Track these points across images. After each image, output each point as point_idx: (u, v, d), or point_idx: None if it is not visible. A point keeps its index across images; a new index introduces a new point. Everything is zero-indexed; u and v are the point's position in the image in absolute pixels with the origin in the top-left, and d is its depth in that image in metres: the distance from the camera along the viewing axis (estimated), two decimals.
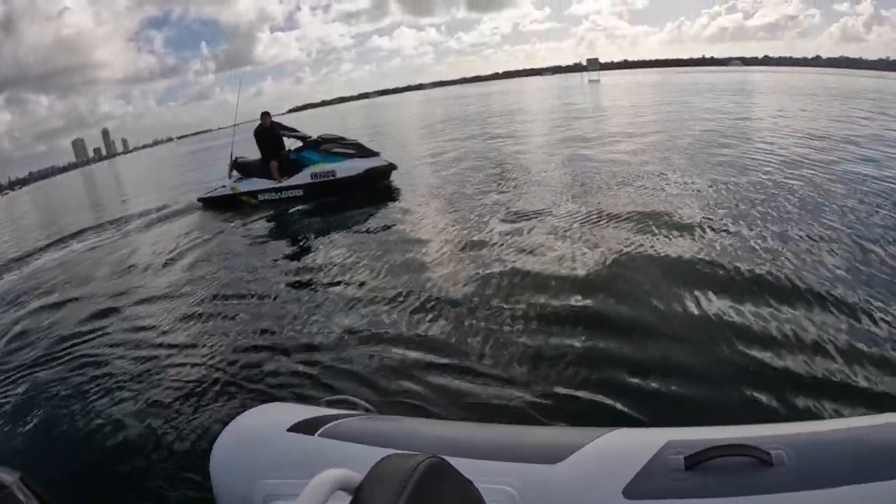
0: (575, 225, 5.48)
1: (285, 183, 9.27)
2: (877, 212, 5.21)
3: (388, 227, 6.42)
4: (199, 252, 6.90)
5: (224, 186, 9.93)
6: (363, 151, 9.33)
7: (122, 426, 3.04)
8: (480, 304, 3.88)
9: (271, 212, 8.77)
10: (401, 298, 4.15)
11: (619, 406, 2.60)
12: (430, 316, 3.81)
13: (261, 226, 8.11)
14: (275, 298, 4.71)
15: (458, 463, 1.13)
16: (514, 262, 4.63)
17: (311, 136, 9.46)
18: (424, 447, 1.27)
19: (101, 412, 3.20)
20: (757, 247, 4.42)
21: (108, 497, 2.48)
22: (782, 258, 4.20)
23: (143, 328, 4.60)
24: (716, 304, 3.55)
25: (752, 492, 1.11)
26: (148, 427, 2.97)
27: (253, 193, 9.44)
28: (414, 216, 6.87)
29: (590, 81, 49.69)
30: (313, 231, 7.16)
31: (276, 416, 1.59)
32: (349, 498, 0.77)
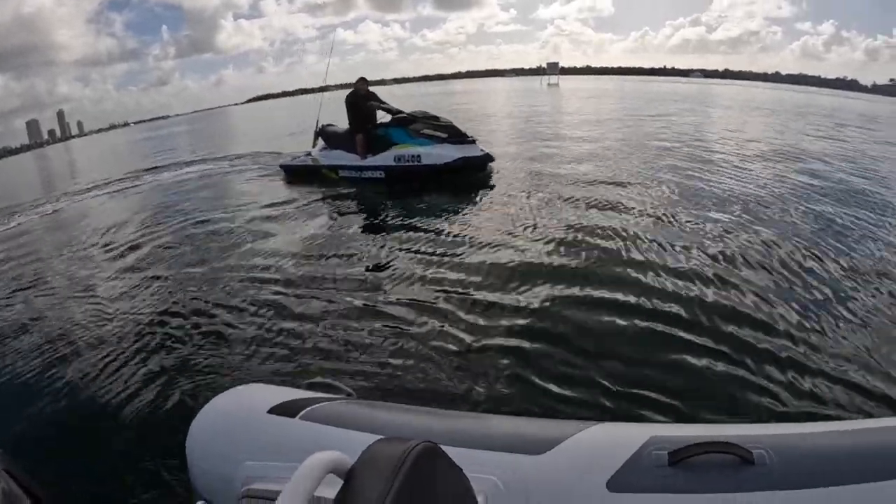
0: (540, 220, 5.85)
1: (367, 161, 8.67)
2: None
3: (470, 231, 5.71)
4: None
5: (309, 155, 9.64)
6: (457, 136, 8.32)
7: (97, 404, 3.03)
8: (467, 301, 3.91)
9: (353, 189, 8.36)
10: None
11: (602, 401, 2.67)
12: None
13: (325, 205, 7.67)
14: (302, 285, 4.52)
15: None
16: (494, 255, 4.82)
17: (402, 111, 8.59)
18: (407, 434, 1.29)
19: (77, 393, 3.20)
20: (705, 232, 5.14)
21: (77, 480, 2.42)
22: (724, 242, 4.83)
23: (113, 298, 4.72)
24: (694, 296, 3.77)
25: (734, 489, 1.16)
26: (124, 404, 2.98)
27: (334, 167, 9.11)
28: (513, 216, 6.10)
29: (549, 85, 50.58)
30: (389, 223, 6.48)
31: (255, 398, 1.58)
32: (339, 481, 0.79)
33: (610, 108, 23.09)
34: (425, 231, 5.85)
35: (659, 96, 31.50)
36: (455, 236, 5.58)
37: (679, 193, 6.90)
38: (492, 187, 7.88)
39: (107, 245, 6.68)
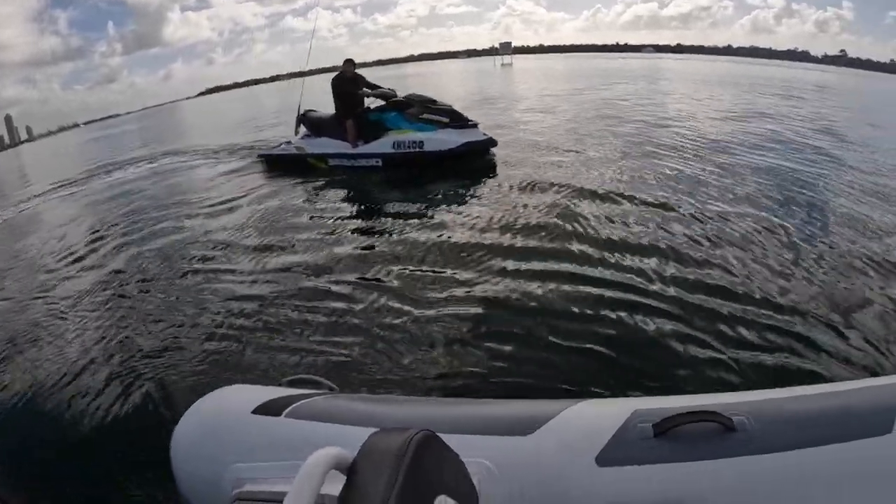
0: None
1: (361, 150, 8.06)
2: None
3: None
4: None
5: (289, 143, 8.88)
6: (459, 120, 7.84)
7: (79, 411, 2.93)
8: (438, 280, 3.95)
9: (343, 176, 7.89)
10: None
11: (586, 379, 2.70)
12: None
13: (316, 193, 7.23)
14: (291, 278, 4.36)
15: None
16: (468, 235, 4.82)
17: (395, 94, 8.04)
18: (395, 424, 1.29)
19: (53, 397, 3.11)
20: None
21: (62, 489, 2.42)
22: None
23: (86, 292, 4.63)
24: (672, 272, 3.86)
25: (717, 456, 1.19)
26: (105, 411, 2.89)
27: (323, 156, 8.40)
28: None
29: (502, 65, 50.60)
30: (384, 211, 6.13)
31: (238, 399, 1.56)
32: (341, 477, 0.79)
33: (564, 86, 22.98)
34: (416, 220, 5.58)
35: (612, 73, 32.02)
36: (447, 223, 5.36)
37: (640, 167, 7.06)
38: (491, 172, 7.48)
39: (64, 251, 6.23)
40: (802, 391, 1.40)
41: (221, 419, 1.51)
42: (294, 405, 1.46)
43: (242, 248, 5.22)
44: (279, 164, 8.84)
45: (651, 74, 30.37)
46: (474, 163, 7.75)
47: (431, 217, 5.58)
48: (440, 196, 6.43)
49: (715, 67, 39.58)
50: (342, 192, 7.20)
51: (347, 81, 8.10)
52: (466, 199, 6.24)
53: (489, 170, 7.50)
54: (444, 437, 1.13)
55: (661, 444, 1.21)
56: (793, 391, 1.41)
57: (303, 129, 8.96)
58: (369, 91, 8.09)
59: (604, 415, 1.32)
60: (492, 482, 1.20)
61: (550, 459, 1.23)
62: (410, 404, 1.52)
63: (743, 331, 3.14)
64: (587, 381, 2.69)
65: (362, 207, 6.49)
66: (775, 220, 5.01)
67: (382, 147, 7.90)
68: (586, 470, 1.20)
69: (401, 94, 8.19)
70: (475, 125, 7.94)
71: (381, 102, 8.09)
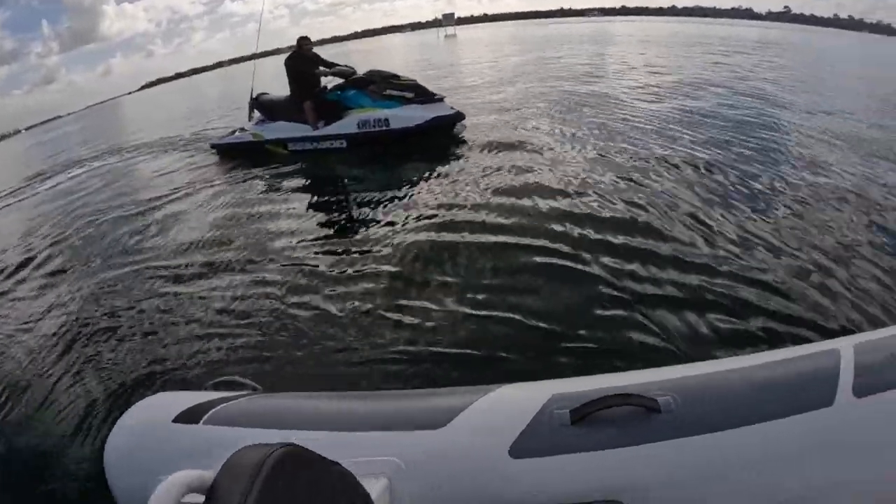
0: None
1: (323, 131, 7.61)
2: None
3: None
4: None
5: (244, 131, 8.28)
6: (424, 95, 7.47)
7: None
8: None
9: (301, 164, 7.38)
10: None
11: (502, 361, 2.67)
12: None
13: (275, 182, 6.77)
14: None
15: (344, 438, 1.21)
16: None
17: (355, 71, 7.61)
18: (308, 424, 1.29)
19: None
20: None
21: None
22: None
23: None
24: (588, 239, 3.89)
25: (640, 441, 1.14)
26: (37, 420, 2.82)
27: (281, 141, 7.88)
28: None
29: (445, 37, 50.16)
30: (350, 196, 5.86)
31: (162, 408, 1.52)
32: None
33: (509, 54, 22.79)
34: (377, 207, 5.28)
35: (557, 38, 32.17)
36: (398, 204, 5.25)
37: (576, 121, 7.37)
38: (455, 146, 7.20)
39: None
40: (735, 363, 1.35)
41: (146, 430, 1.47)
42: (213, 410, 1.42)
43: (186, 245, 4.95)
44: (234, 153, 8.27)
45: (595, 37, 30.79)
46: (440, 138, 7.48)
47: (390, 201, 5.35)
48: (404, 177, 6.16)
49: (662, 28, 40.14)
50: (303, 180, 6.78)
51: (303, 60, 7.61)
52: (428, 179, 5.97)
53: (454, 144, 7.24)
54: (356, 435, 1.20)
55: (579, 431, 1.17)
56: (724, 364, 1.35)
57: (257, 115, 8.44)
58: (327, 70, 7.64)
59: (519, 401, 1.28)
60: (401, 480, 1.17)
61: (462, 453, 1.19)
62: (326, 400, 1.46)
63: (673, 290, 3.19)
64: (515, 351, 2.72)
65: (322, 195, 6.10)
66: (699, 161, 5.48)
67: (346, 127, 7.52)
68: (499, 462, 1.16)
69: (359, 71, 7.80)
70: (441, 99, 7.61)
71: (338, 81, 7.70)
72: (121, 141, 14.21)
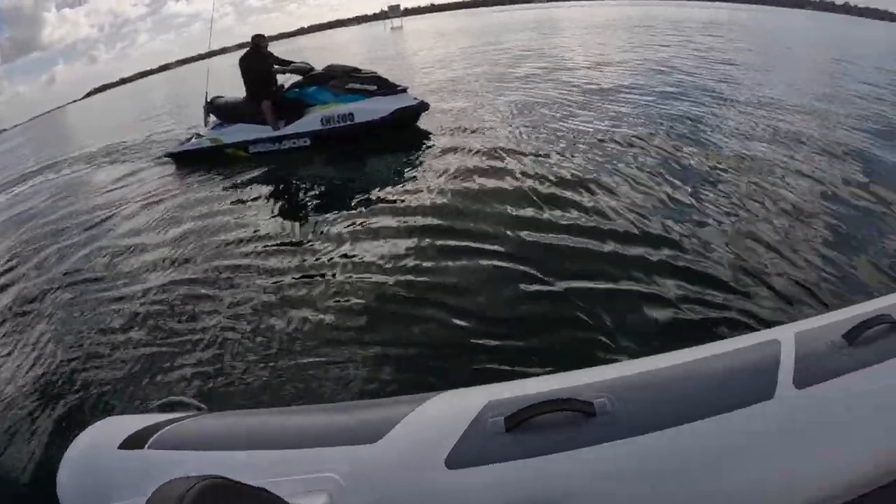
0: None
1: (285, 131, 7.35)
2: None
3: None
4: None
5: (199, 137, 7.86)
6: (387, 87, 7.34)
7: None
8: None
9: (265, 168, 7.05)
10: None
11: (440, 367, 2.67)
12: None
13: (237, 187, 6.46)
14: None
15: (284, 456, 1.20)
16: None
17: (312, 67, 7.42)
18: (250, 443, 1.27)
19: None
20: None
21: None
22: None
23: None
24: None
25: (576, 445, 1.13)
26: None
27: (242, 144, 7.53)
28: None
29: (392, 29, 49.85)
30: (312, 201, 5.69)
31: (108, 434, 1.47)
32: None
33: (458, 45, 22.97)
34: (343, 210, 5.14)
35: (503, 27, 32.53)
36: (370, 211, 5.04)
37: (531, 123, 7.22)
38: (418, 139, 7.18)
39: None
40: (673, 359, 1.34)
41: (93, 459, 1.42)
42: (158, 434, 1.38)
43: (137, 264, 4.69)
44: (191, 161, 7.85)
45: (540, 25, 30.91)
46: (402, 131, 7.42)
47: (353, 206, 5.20)
48: (369, 175, 6.18)
49: (610, 12, 40.38)
50: (264, 184, 6.47)
51: (259, 59, 7.32)
52: (389, 177, 5.95)
53: (415, 137, 7.22)
54: (293, 453, 1.19)
55: (514, 438, 1.15)
56: (662, 360, 1.34)
57: (212, 119, 8.05)
58: (284, 67, 7.41)
59: (454, 411, 1.26)
60: (341, 496, 1.15)
61: (400, 466, 1.17)
62: (268, 418, 1.44)
63: (610, 287, 3.23)
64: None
65: (282, 201, 5.86)
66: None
67: (310, 124, 7.29)
68: (436, 474, 1.14)
69: (315, 67, 7.61)
70: (404, 90, 7.45)
71: (295, 79, 7.50)
72: (68, 152, 13.36)
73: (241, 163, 7.40)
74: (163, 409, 1.62)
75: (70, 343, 3.56)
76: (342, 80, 7.27)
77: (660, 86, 9.23)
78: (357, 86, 7.23)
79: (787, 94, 8.72)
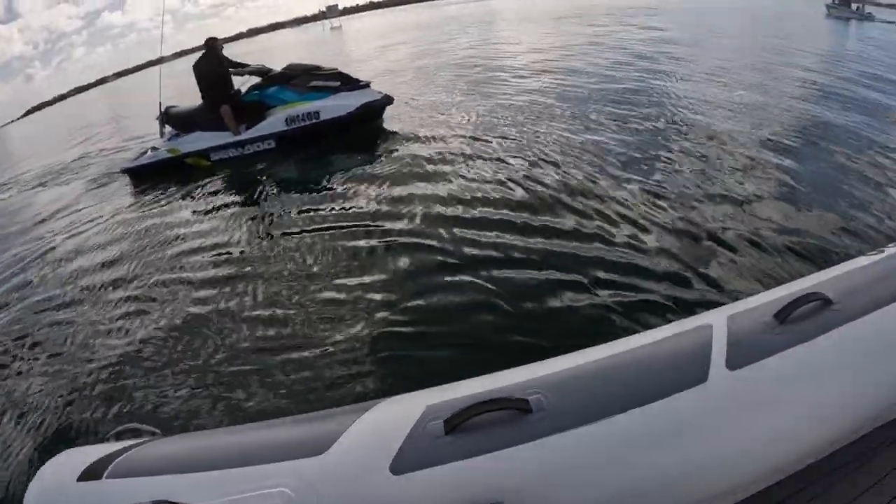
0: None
1: (249, 134, 7.07)
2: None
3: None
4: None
5: (155, 150, 7.39)
6: (350, 82, 7.22)
7: None
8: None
9: (228, 175, 6.79)
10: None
11: (379, 375, 2.70)
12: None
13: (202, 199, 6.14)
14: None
15: (237, 474, 1.20)
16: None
17: (269, 69, 7.22)
18: (203, 465, 1.27)
19: None
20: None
21: None
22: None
23: None
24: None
25: (514, 442, 1.14)
26: None
27: (203, 153, 7.16)
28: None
29: (331, 29, 49.24)
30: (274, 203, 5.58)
31: (68, 466, 1.45)
32: None
33: (399, 42, 22.97)
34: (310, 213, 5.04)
35: (443, 21, 32.56)
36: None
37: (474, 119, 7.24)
38: (381, 136, 7.21)
39: None
40: (607, 350, 1.37)
41: (54, 493, 1.40)
42: (114, 463, 1.36)
43: (86, 288, 4.43)
44: (149, 175, 7.35)
45: (482, 18, 30.84)
46: (365, 126, 7.33)
47: (318, 210, 5.06)
48: (334, 176, 5.91)
49: (545, 3, 40.30)
50: (226, 194, 6.23)
51: (214, 63, 6.98)
52: (354, 177, 5.80)
53: (377, 134, 7.20)
54: (244, 471, 1.19)
55: (454, 440, 1.18)
56: (597, 352, 1.37)
57: (168, 129, 7.62)
58: (243, 70, 7.15)
59: (396, 418, 1.28)
60: None
61: (347, 475, 1.19)
62: (220, 437, 1.45)
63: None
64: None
65: (243, 210, 5.61)
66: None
67: (274, 126, 7.06)
68: (382, 481, 1.16)
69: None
70: (367, 85, 7.37)
71: (253, 81, 7.25)
72: (11, 174, 12.74)
73: (203, 172, 7.07)
74: (119, 437, 1.60)
75: (10, 386, 3.36)
76: (304, 78, 7.09)
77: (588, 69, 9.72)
78: (320, 83, 7.08)
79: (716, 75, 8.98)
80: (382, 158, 6.16)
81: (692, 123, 6.21)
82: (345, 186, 5.49)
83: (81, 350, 3.51)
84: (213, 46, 7.00)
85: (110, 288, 4.33)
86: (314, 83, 7.06)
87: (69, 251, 5.45)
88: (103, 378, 3.14)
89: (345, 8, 65.18)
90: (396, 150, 6.38)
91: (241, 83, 7.31)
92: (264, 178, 6.42)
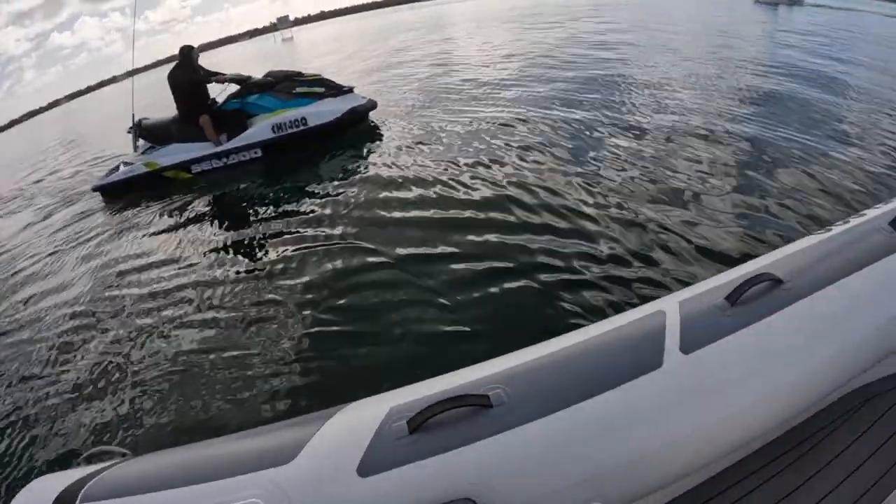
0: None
1: (233, 143, 6.74)
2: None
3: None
4: None
5: (128, 165, 6.91)
6: (334, 88, 7.10)
7: None
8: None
9: (211, 187, 6.42)
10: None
11: (344, 379, 2.69)
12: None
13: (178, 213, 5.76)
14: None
15: (209, 489, 1.18)
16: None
17: (248, 76, 6.95)
18: (175, 482, 1.25)
19: None
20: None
21: None
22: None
23: None
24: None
25: (477, 437, 1.15)
26: None
27: (182, 165, 6.76)
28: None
29: (283, 40, 48.94)
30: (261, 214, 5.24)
31: (40, 494, 1.40)
32: None
33: (350, 49, 22.97)
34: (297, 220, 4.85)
35: (397, 27, 32.68)
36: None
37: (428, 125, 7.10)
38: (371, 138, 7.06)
39: None
40: (564, 342, 1.37)
41: None
42: (87, 487, 1.32)
43: (48, 321, 4.08)
44: (123, 192, 6.85)
45: (435, 23, 30.60)
46: (347, 131, 7.16)
47: (308, 223, 4.75)
48: (321, 185, 5.65)
49: (498, 4, 40.43)
50: (208, 208, 5.82)
51: (190, 72, 6.61)
52: (342, 184, 5.56)
53: (363, 139, 7.00)
54: (218, 484, 1.17)
55: (418, 439, 1.18)
56: (553, 344, 1.37)
57: (141, 143, 7.15)
58: (223, 77, 6.80)
59: (360, 421, 1.27)
60: None
61: (316, 481, 1.17)
62: (190, 453, 1.39)
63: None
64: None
65: (226, 221, 5.30)
66: None
67: (259, 134, 6.78)
68: (350, 484, 1.15)
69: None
70: (351, 90, 7.23)
71: (227, 92, 6.98)
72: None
73: (181, 186, 6.64)
74: (90, 460, 1.54)
75: None
76: (287, 84, 6.88)
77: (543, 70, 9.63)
78: (304, 90, 6.91)
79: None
80: (355, 166, 6.06)
81: (630, 116, 6.28)
82: (331, 192, 5.30)
83: (40, 372, 3.39)
84: (188, 55, 6.64)
85: (64, 310, 4.13)
86: (298, 89, 6.89)
87: (30, 276, 5.12)
88: (64, 402, 3.04)
89: (296, 19, 64.52)
90: (370, 155, 6.32)
91: (219, 92, 6.98)
92: (250, 189, 6.10)
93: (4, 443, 2.82)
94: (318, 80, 7.09)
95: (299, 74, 7.09)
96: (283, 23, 57.44)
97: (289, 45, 40.48)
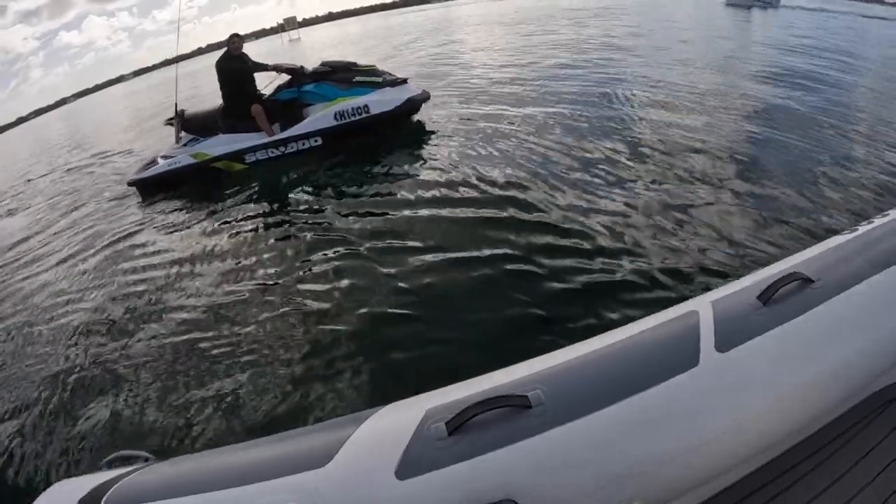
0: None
1: (293, 131, 6.37)
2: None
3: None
4: None
5: (173, 158, 6.40)
6: (390, 78, 6.81)
7: None
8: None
9: (262, 179, 5.98)
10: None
11: (378, 381, 2.59)
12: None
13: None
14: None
15: (238, 493, 1.15)
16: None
17: (300, 66, 6.59)
18: (203, 486, 1.20)
19: None
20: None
21: None
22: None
23: None
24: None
25: (516, 439, 1.12)
26: None
27: (236, 155, 6.31)
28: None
29: (290, 41, 48.70)
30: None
31: (62, 498, 1.35)
32: None
33: (359, 48, 22.59)
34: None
35: (403, 28, 32.25)
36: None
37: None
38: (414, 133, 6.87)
39: None
40: (600, 342, 1.36)
41: None
42: (111, 491, 1.26)
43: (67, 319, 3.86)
44: (163, 187, 6.37)
45: (440, 25, 29.87)
46: (402, 123, 6.99)
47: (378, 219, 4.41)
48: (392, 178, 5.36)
49: (505, 7, 40.03)
50: (270, 206, 5.33)
51: (240, 61, 6.25)
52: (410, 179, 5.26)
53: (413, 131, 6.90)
54: (250, 489, 1.13)
55: (457, 441, 1.14)
56: (590, 344, 1.37)
57: (184, 135, 6.68)
58: (280, 67, 6.44)
59: (397, 423, 1.23)
60: None
61: (353, 484, 1.12)
62: (216, 458, 1.33)
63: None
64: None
65: (280, 228, 4.78)
66: None
67: (322, 122, 6.43)
68: (388, 487, 1.11)
69: None
70: (405, 81, 6.89)
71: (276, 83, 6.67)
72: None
73: (236, 178, 6.19)
74: (112, 465, 1.48)
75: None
76: (345, 74, 6.61)
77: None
78: (363, 79, 6.62)
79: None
80: (413, 157, 5.86)
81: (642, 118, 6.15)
82: (392, 189, 5.00)
83: (59, 380, 3.18)
84: (236, 44, 6.29)
85: (95, 314, 3.85)
86: (358, 78, 6.61)
87: (63, 276, 4.76)
88: (86, 404, 2.89)
89: (303, 20, 64.47)
90: (426, 148, 6.11)
91: (266, 84, 6.67)
92: (305, 182, 5.71)
93: (25, 441, 2.73)
94: (374, 71, 6.82)
95: (354, 64, 6.81)
96: (290, 23, 57.46)
97: (296, 46, 40.16)
